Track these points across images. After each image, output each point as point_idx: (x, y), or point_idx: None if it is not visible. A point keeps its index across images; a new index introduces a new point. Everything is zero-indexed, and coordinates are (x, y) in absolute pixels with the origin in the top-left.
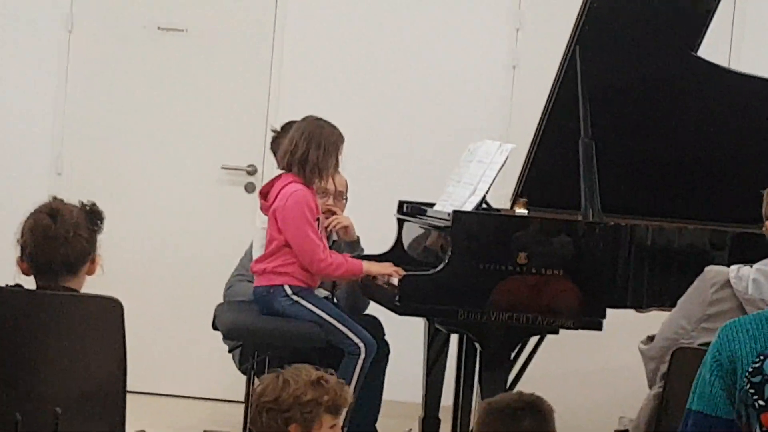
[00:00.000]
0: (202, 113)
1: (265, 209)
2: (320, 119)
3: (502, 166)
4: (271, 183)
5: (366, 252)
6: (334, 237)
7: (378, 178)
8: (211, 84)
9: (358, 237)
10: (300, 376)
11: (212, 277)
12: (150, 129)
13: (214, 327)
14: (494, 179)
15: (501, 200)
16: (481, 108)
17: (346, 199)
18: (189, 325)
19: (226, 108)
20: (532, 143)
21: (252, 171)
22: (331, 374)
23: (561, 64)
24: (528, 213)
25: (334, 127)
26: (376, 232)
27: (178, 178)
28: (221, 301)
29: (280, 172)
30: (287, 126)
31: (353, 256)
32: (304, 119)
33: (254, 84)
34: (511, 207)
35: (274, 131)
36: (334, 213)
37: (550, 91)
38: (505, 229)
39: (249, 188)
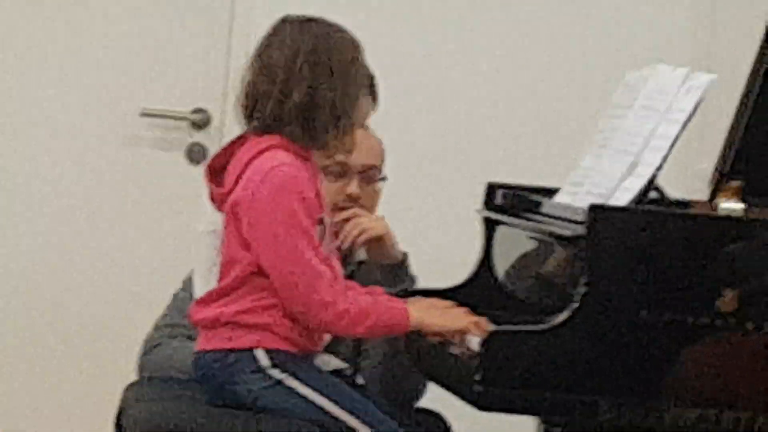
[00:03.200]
0: (107, 16)
1: (218, 201)
2: (314, 20)
3: (691, 116)
4: (230, 151)
5: (423, 284)
6: (360, 256)
7: (445, 140)
8: None
9: (405, 255)
10: None
11: (118, 327)
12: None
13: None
14: (674, 143)
15: (684, 183)
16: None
17: (383, 178)
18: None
19: (154, 7)
20: (752, 73)
21: (201, 121)
22: None
23: None
24: (745, 209)
25: (341, 29)
26: (443, 245)
27: (57, 131)
28: (133, 376)
29: (246, 128)
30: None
31: (395, 293)
32: (281, 25)
33: None
34: (711, 198)
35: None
36: (356, 212)
37: None
38: (696, 243)
39: (195, 155)
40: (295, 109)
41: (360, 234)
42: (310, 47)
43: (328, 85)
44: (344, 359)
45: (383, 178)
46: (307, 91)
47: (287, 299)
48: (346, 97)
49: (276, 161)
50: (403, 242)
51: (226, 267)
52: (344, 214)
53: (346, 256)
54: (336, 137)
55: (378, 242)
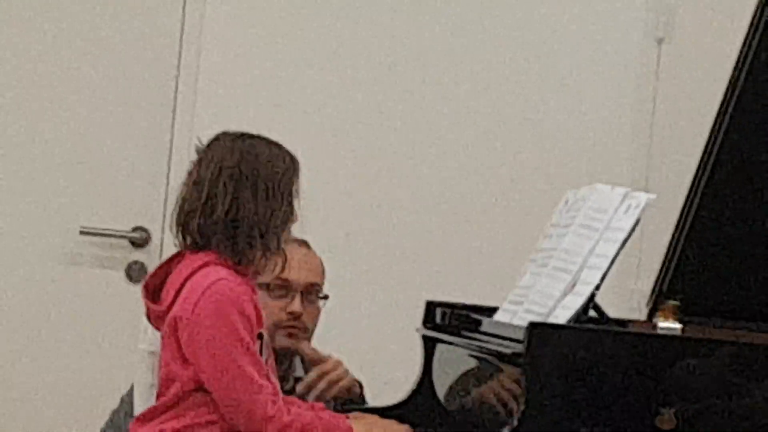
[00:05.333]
0: (47, 134)
1: (155, 318)
2: (248, 136)
3: (629, 236)
4: (167, 268)
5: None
6: (298, 373)
7: (385, 258)
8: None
9: (361, 388)
10: None
11: None
12: None
13: None
14: (613, 262)
15: (624, 301)
16: (592, 116)
17: (325, 297)
18: None
19: (94, 126)
20: (690, 191)
21: (141, 240)
22: None
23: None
24: (683, 329)
25: (276, 146)
26: (384, 362)
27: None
28: None
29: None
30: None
31: (341, 410)
32: (215, 141)
33: (150, 89)
34: (649, 317)
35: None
36: (317, 357)
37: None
38: (634, 361)
39: (135, 273)
40: (219, 224)
41: (329, 388)
42: (235, 163)
43: (251, 201)
44: None
45: (325, 297)
46: (230, 206)
47: (229, 414)
48: (270, 214)
49: (215, 276)
50: (344, 359)
51: (165, 383)
52: (314, 373)
53: (284, 373)
54: (263, 254)
55: (347, 391)
